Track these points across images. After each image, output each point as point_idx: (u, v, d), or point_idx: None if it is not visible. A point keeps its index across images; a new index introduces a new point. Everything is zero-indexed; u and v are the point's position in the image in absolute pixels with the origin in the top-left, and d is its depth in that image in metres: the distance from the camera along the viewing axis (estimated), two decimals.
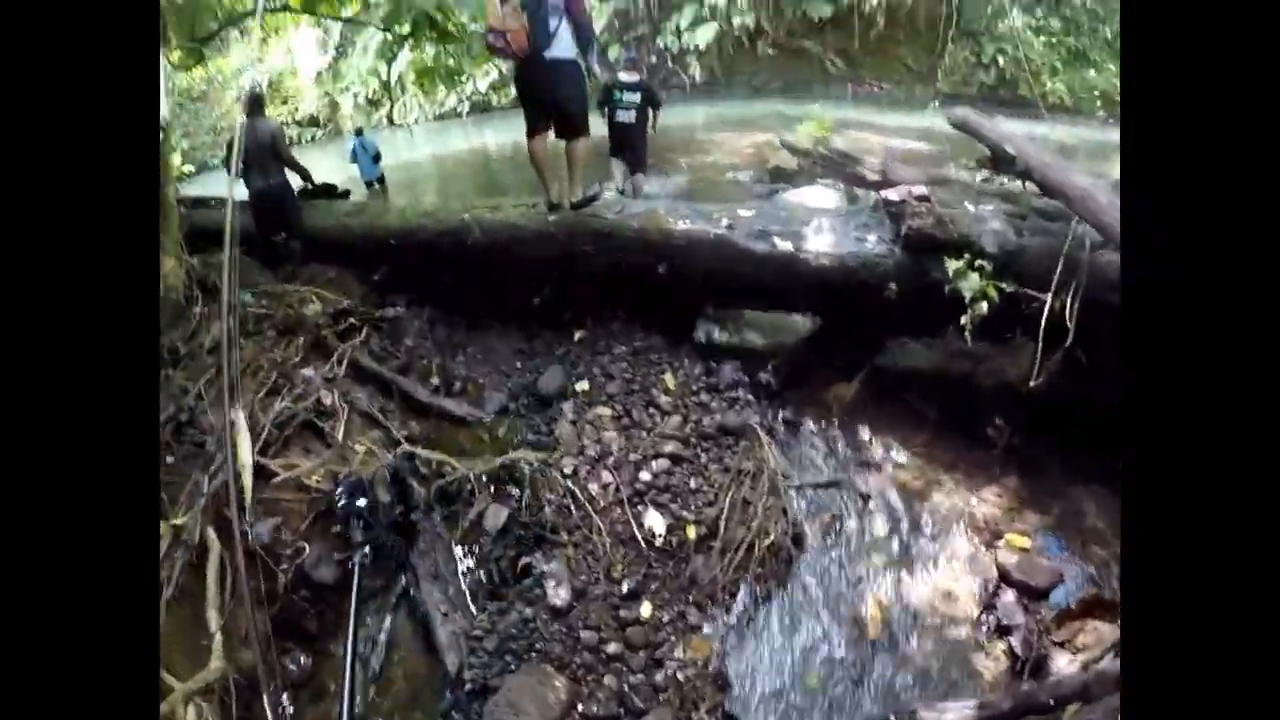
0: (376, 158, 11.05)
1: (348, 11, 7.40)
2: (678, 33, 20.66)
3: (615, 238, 4.52)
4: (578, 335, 4.61)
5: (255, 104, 5.79)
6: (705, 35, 20.19)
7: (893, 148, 8.55)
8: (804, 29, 20.68)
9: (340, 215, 5.87)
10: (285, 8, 7.01)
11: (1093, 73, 20.47)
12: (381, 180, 11.34)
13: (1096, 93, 20.02)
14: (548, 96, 4.42)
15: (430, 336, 4.96)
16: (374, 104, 28.50)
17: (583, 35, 4.39)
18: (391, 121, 20.29)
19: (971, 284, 3.83)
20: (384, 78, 24.75)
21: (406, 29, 6.95)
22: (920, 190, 4.19)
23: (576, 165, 4.58)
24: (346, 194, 6.71)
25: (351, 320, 4.94)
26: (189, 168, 27.52)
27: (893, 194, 4.25)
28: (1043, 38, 20.31)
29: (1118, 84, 20.06)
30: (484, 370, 4.65)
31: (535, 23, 4.09)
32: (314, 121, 30.06)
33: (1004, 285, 3.83)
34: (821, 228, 4.35)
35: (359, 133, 11.19)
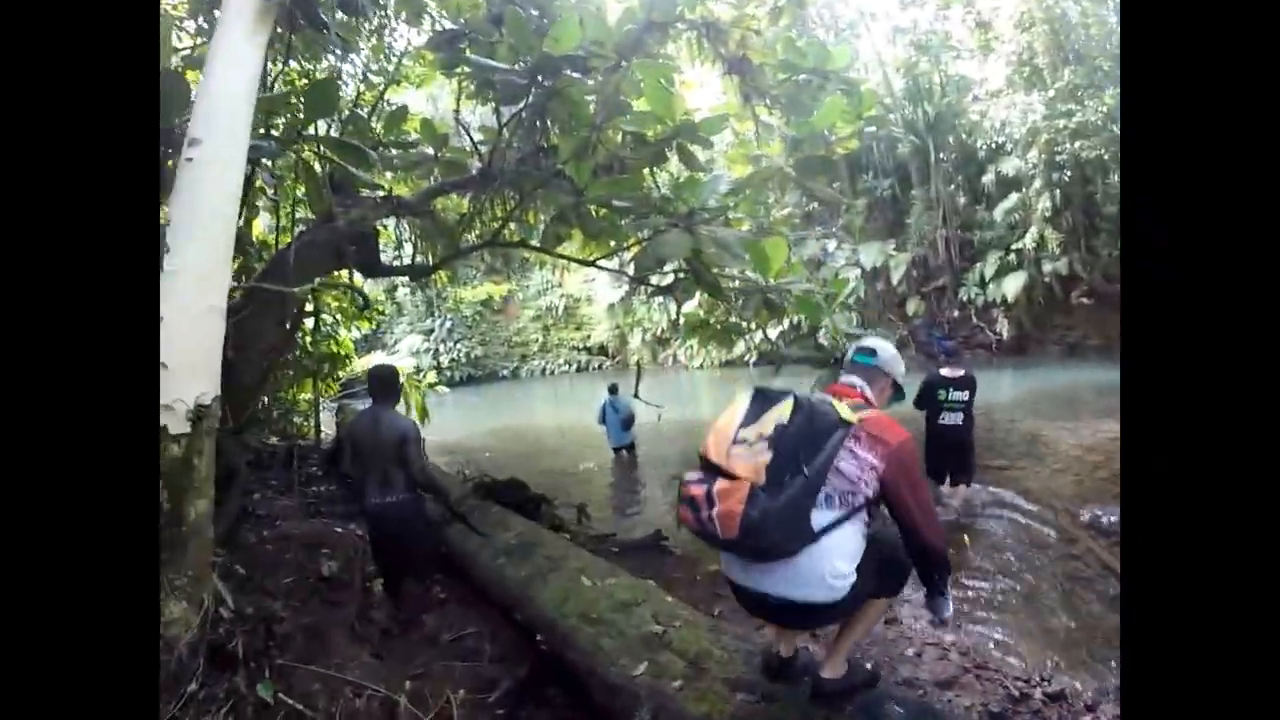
0: (628, 422, 9.88)
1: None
2: (982, 283, 18.33)
3: None
4: None
5: (383, 386, 4.13)
6: (1013, 286, 17.63)
7: None
8: None
9: (498, 555, 4.26)
10: (522, 244, 6.19)
11: None
12: (631, 448, 10.13)
13: None
14: None
15: None
16: (661, 343, 29.28)
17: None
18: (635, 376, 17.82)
19: None
20: (672, 318, 25.44)
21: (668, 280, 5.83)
22: None
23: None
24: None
25: None
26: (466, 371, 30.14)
27: None
28: None
29: None
30: None
31: (794, 500, 1.94)
32: (603, 351, 31.72)
33: None
34: None
35: (613, 390, 10.05)
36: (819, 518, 1.98)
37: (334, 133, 5.45)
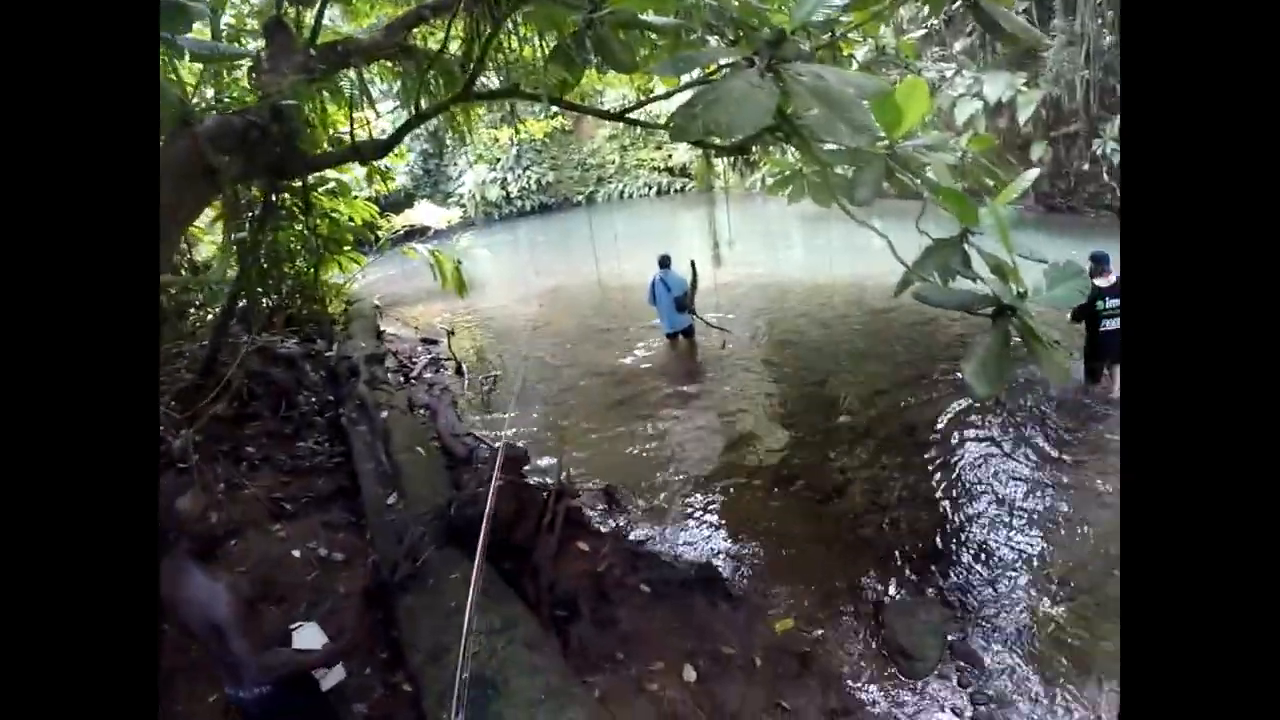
0: (682, 304, 8.22)
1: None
2: (1119, 139, 15.27)
3: None
4: None
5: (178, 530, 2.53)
6: None
7: None
8: None
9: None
10: (511, 93, 4.75)
11: None
12: (689, 333, 8.52)
13: None
14: None
15: None
16: (751, 165, 26.05)
17: None
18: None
19: None
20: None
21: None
22: None
23: None
24: None
25: None
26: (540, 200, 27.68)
27: None
28: None
29: None
30: None
31: None
32: (684, 172, 29.16)
33: None
34: None
35: (663, 263, 8.24)
36: None
37: None
